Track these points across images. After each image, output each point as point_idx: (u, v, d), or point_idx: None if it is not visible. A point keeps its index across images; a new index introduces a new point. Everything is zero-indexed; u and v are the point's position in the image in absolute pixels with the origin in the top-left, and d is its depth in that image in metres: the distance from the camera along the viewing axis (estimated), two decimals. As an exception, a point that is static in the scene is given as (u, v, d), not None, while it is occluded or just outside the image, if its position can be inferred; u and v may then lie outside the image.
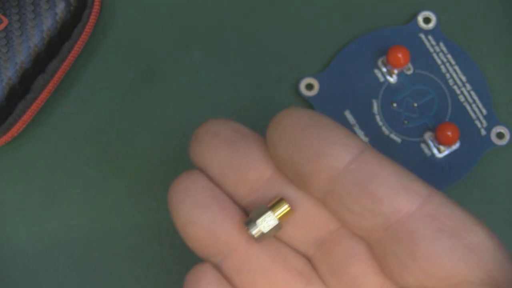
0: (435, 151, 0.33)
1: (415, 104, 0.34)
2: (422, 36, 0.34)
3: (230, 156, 0.26)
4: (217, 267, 0.27)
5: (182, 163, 0.34)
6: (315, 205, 0.26)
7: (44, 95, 0.33)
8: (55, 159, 0.34)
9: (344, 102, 0.34)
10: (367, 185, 0.24)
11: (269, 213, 0.26)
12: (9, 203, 0.34)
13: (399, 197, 0.24)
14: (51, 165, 0.34)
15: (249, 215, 0.26)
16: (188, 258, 0.33)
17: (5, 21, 0.32)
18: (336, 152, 0.24)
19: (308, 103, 0.34)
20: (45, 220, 0.33)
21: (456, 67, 0.34)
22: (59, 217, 0.33)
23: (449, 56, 0.34)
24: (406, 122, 0.34)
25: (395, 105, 0.34)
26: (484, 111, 0.34)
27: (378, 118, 0.34)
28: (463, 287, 0.23)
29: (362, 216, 0.24)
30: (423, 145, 0.33)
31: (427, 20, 0.34)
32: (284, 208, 0.26)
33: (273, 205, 0.26)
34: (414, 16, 0.34)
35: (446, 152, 0.33)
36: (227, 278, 0.27)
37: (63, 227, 0.33)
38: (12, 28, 0.32)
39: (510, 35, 0.35)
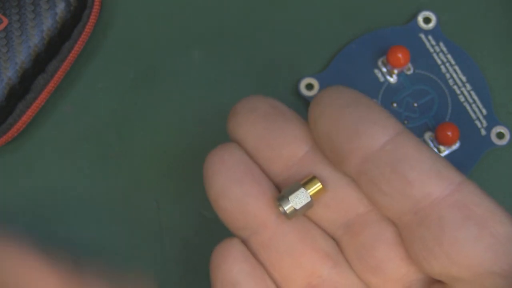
0: (435, 151, 0.33)
1: (415, 104, 0.34)
2: (422, 36, 0.34)
3: (266, 132, 0.26)
4: (245, 242, 0.27)
5: (183, 162, 0.34)
6: (346, 186, 0.26)
7: (44, 95, 0.33)
8: (55, 159, 0.34)
9: (344, 102, 0.34)
10: (400, 167, 0.24)
11: (302, 189, 0.26)
12: (9, 203, 0.34)
13: (431, 182, 0.24)
14: (51, 165, 0.34)
15: (282, 191, 0.26)
16: (188, 258, 0.33)
17: (5, 21, 0.32)
18: (374, 132, 0.24)
19: (308, 103, 0.34)
20: (45, 221, 0.33)
21: (456, 67, 0.34)
22: (59, 217, 0.33)
23: (449, 56, 0.34)
24: (406, 122, 0.34)
25: (395, 105, 0.34)
26: (484, 111, 0.34)
27: (378, 118, 0.34)
28: (486, 277, 0.23)
29: (392, 198, 0.24)
30: (423, 145, 0.33)
31: (427, 20, 0.34)
32: (316, 186, 0.26)
33: (306, 182, 0.26)
34: (414, 16, 0.34)
35: (446, 152, 0.33)
36: (254, 254, 0.27)
37: (63, 228, 0.33)
38: (12, 28, 0.32)
39: (510, 35, 0.35)
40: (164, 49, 0.35)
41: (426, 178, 0.24)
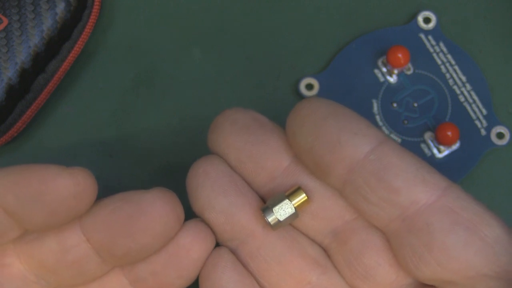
0: (435, 151, 0.33)
1: (415, 104, 0.34)
2: (422, 36, 0.34)
3: (248, 144, 0.26)
4: (234, 252, 0.27)
5: (183, 162, 0.34)
6: (332, 195, 0.26)
7: (44, 95, 0.33)
8: (55, 159, 0.34)
9: (344, 102, 0.34)
10: (385, 176, 0.24)
11: (286, 201, 0.26)
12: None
13: (417, 189, 0.24)
14: (51, 165, 0.34)
15: (266, 202, 0.26)
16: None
17: (5, 21, 0.32)
18: (356, 142, 0.24)
19: (308, 103, 0.34)
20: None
21: (456, 67, 0.34)
22: (59, 217, 0.33)
23: (449, 56, 0.34)
24: (406, 122, 0.34)
25: (395, 105, 0.34)
26: (484, 111, 0.34)
27: (378, 118, 0.34)
28: (478, 280, 0.23)
29: (379, 207, 0.24)
30: (423, 145, 0.33)
31: (427, 20, 0.34)
32: (301, 197, 0.26)
33: (290, 194, 0.26)
34: (414, 16, 0.34)
35: (446, 152, 0.33)
36: (243, 263, 0.27)
37: (63, 227, 0.33)
38: (12, 28, 0.32)
39: (510, 35, 0.35)
40: (164, 49, 0.35)
41: (411, 185, 0.24)
